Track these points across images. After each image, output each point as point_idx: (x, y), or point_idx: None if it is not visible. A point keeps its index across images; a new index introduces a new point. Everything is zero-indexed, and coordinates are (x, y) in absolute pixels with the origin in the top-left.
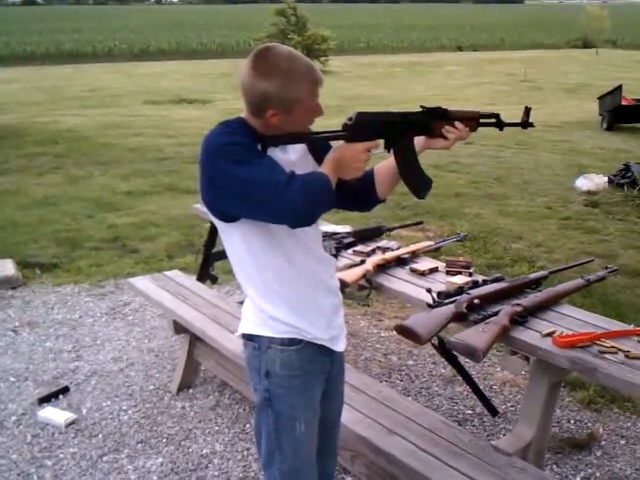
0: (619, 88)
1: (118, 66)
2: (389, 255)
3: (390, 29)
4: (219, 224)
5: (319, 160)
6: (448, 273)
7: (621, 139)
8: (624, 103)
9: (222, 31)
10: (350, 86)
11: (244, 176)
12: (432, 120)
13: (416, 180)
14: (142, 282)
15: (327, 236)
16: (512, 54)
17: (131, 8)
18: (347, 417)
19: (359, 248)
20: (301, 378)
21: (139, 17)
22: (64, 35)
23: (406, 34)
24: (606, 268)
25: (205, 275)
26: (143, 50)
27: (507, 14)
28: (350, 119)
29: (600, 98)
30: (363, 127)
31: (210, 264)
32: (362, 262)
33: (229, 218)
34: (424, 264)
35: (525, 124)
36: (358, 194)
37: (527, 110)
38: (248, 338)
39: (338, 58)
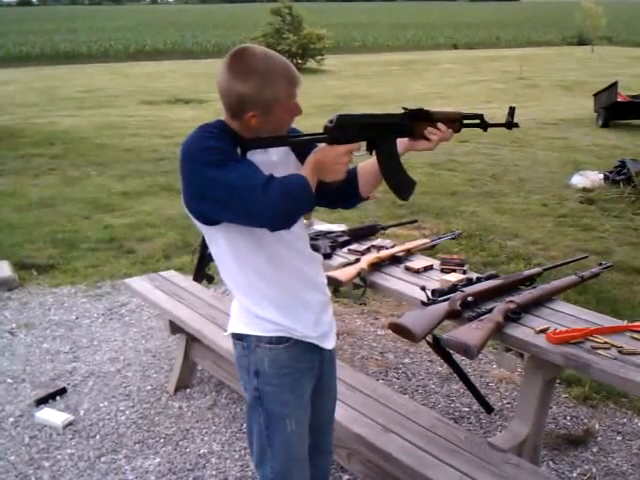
0: (614, 85)
1: (114, 66)
2: (384, 253)
3: (386, 27)
4: (202, 227)
5: (303, 160)
6: (442, 271)
7: (616, 136)
8: (619, 100)
9: (218, 31)
10: (346, 85)
11: (221, 180)
12: (415, 122)
13: (399, 182)
14: (138, 283)
15: (322, 235)
16: (508, 52)
17: (126, 8)
18: (343, 415)
19: (354, 247)
20: (290, 376)
21: (134, 17)
22: (59, 35)
23: (402, 32)
24: (600, 264)
25: (201, 275)
26: (139, 50)
27: (503, 11)
28: (331, 121)
29: (595, 95)
30: (344, 129)
31: (206, 264)
32: (357, 261)
33: (211, 221)
34: (419, 262)
35: (510, 124)
36: (341, 192)
37: (512, 110)
38: (237, 337)
39: (334, 57)
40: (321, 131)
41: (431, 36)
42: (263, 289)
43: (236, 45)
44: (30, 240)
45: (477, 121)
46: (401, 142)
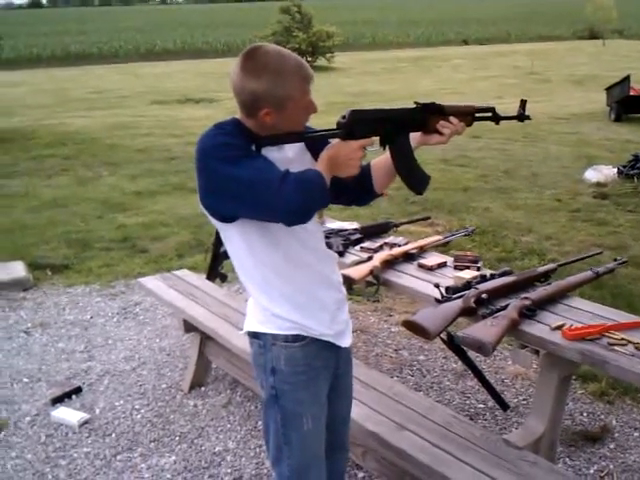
0: (627, 78)
1: (124, 67)
2: (396, 251)
3: (395, 24)
4: (218, 225)
5: (317, 157)
6: (456, 268)
7: (629, 130)
8: (632, 93)
9: (227, 30)
10: (356, 82)
11: (237, 176)
12: (427, 116)
13: (413, 177)
14: (152, 282)
15: (334, 233)
16: (518, 47)
17: (136, 8)
18: (358, 413)
19: (367, 244)
20: (306, 374)
21: (144, 17)
22: (70, 37)
23: (412, 29)
24: (615, 260)
25: (214, 274)
26: (149, 50)
27: (513, 6)
28: (344, 117)
29: (608, 89)
30: (357, 125)
31: (219, 263)
32: (369, 258)
33: (227, 218)
34: (432, 259)
35: (521, 117)
36: (355, 189)
37: (523, 103)
38: (253, 336)
39: (343, 54)
40: (334, 127)
41: (441, 32)
42: (279, 287)
43: (246, 44)
44: (44, 240)
45: (489, 114)
46: (414, 136)
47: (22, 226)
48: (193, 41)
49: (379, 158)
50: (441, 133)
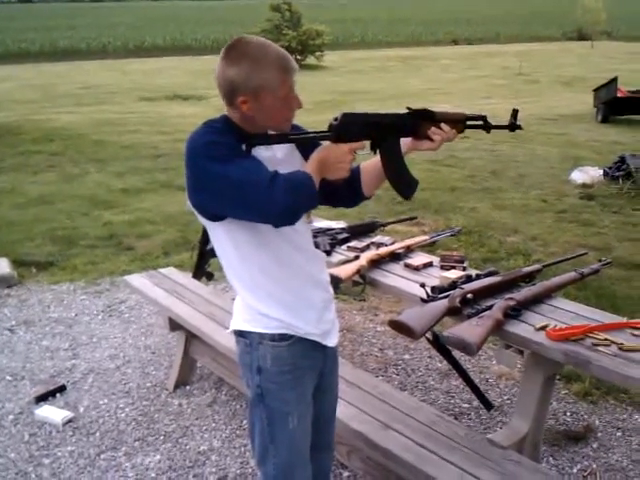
0: (614, 80)
1: (112, 63)
2: (383, 250)
3: (385, 23)
4: (206, 223)
5: (307, 157)
6: (442, 268)
7: (616, 131)
8: (619, 95)
9: (217, 27)
10: (345, 81)
11: (225, 175)
12: (418, 122)
13: (402, 181)
14: (138, 280)
15: (321, 232)
16: (508, 47)
17: (125, 4)
18: (343, 412)
19: (353, 244)
20: (292, 373)
21: (133, 13)
22: (58, 32)
23: (401, 28)
24: (600, 261)
25: (201, 272)
26: (138, 46)
27: (503, 7)
28: (336, 119)
29: (595, 90)
30: (349, 128)
31: (206, 261)
32: (356, 258)
33: (215, 217)
34: (418, 259)
35: (512, 126)
36: (344, 191)
37: (514, 112)
38: (239, 334)
39: (333, 53)
40: (324, 128)
41: (430, 32)
42: (266, 286)
43: None
44: (29, 237)
45: (480, 122)
46: (404, 142)
47: (7, 223)
48: (182, 38)
49: (369, 161)
50: (432, 139)
